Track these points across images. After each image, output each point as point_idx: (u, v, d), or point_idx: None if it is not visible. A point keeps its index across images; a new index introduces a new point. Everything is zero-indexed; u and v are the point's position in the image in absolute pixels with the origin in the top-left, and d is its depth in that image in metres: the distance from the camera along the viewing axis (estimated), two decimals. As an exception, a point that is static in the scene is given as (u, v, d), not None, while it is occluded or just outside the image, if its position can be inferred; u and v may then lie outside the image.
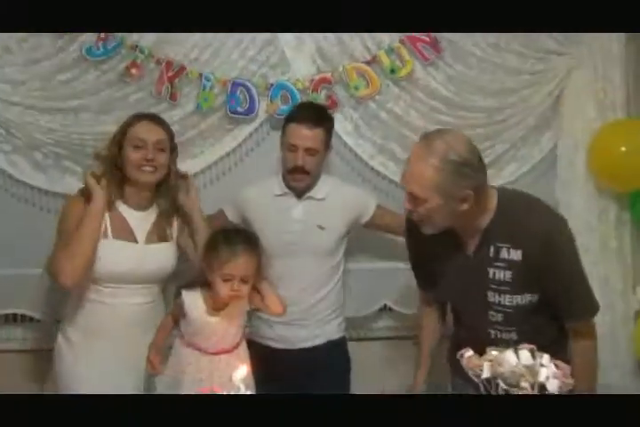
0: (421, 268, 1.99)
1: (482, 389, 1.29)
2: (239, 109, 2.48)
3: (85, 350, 2.05)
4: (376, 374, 2.44)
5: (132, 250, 2.05)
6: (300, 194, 2.29)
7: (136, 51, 2.37)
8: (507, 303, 1.77)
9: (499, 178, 2.65)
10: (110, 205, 2.03)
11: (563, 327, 1.84)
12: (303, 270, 2.27)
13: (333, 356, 2.31)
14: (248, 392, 1.56)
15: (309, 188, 2.29)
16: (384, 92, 2.56)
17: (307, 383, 2.11)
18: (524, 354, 1.26)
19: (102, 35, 2.33)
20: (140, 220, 2.09)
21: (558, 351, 1.57)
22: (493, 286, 1.77)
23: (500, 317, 1.80)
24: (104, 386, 1.93)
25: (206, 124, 2.50)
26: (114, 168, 2.05)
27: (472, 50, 2.60)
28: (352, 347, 2.42)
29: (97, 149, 2.12)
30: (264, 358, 2.12)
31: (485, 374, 1.26)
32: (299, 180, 2.25)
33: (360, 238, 2.50)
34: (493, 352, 1.30)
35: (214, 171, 2.56)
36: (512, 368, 1.22)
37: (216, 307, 1.99)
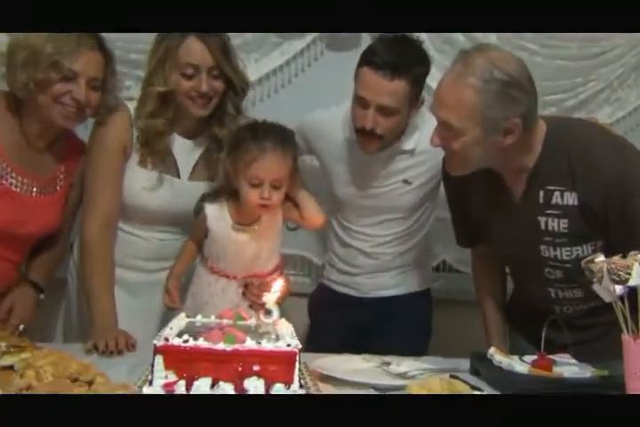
0: (462, 218, 1.67)
1: (618, 307, 0.89)
2: (291, 18, 2.13)
3: None
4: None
5: (171, 185, 1.71)
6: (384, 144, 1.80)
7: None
8: (564, 258, 1.45)
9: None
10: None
11: None
12: (384, 226, 1.89)
13: (413, 307, 1.95)
14: (283, 320, 1.22)
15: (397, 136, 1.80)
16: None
17: (382, 333, 1.87)
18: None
19: None
20: (188, 150, 1.74)
21: None
22: (547, 239, 1.46)
23: (558, 273, 1.49)
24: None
25: (252, 34, 2.17)
26: (159, 88, 1.63)
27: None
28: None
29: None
30: (336, 303, 1.95)
31: (636, 278, 0.86)
32: (367, 145, 1.75)
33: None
34: (640, 256, 0.90)
35: (257, 91, 2.21)
36: (683, 266, 0.83)
37: (244, 221, 1.64)
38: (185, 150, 1.73)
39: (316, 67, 2.24)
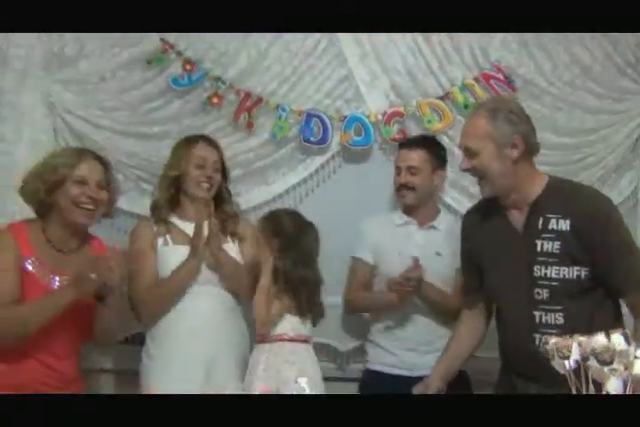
0: (472, 268, 1.97)
1: (570, 378, 1.16)
2: (312, 139, 2.54)
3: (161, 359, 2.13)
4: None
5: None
6: (421, 223, 2.36)
7: (218, 82, 2.50)
8: (553, 276, 1.74)
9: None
10: (166, 221, 2.20)
11: (618, 316, 1.80)
12: None
13: (455, 386, 2.13)
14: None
15: (430, 218, 2.37)
16: (457, 126, 2.54)
17: None
18: (617, 338, 1.14)
19: (188, 66, 2.48)
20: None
21: None
22: (541, 259, 1.77)
23: (545, 293, 1.76)
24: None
25: (280, 153, 2.57)
26: (171, 186, 2.21)
27: (547, 88, 2.61)
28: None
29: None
30: (389, 385, 2.19)
31: (575, 354, 1.13)
32: (403, 195, 2.34)
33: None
34: (581, 338, 1.18)
35: (285, 199, 2.60)
36: (606, 345, 1.10)
37: None
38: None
39: (334, 178, 2.63)
